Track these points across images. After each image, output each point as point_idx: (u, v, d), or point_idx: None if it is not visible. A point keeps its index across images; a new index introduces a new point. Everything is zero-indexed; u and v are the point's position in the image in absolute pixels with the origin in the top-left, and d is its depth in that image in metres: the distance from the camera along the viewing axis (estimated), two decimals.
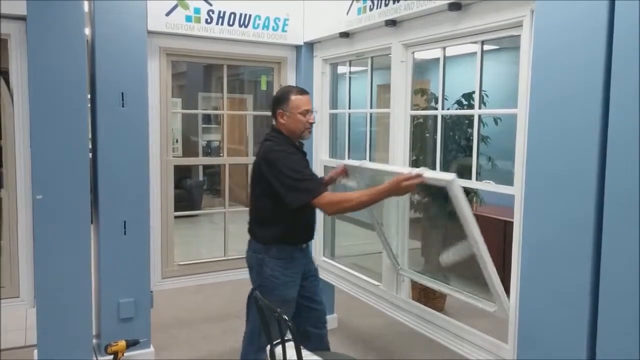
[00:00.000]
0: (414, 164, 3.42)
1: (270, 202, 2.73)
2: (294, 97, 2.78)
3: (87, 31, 3.33)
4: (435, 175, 2.41)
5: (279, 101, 2.83)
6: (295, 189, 2.60)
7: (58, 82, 3.08)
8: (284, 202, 2.64)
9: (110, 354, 3.23)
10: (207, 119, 11.03)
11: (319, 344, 2.99)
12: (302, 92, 2.84)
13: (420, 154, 4.35)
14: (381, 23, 3.17)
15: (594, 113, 1.92)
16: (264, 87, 4.47)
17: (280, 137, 2.79)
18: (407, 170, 2.52)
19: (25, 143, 3.11)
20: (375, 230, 3.24)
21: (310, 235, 2.93)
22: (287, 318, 2.19)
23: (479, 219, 2.49)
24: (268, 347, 2.44)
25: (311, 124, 2.81)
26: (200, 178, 10.31)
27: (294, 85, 3.31)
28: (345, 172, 3.01)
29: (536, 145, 2.18)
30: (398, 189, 2.43)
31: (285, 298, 2.80)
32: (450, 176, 2.22)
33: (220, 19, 3.64)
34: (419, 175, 2.37)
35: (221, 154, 4.22)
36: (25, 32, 3.04)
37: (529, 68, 2.25)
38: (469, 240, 2.35)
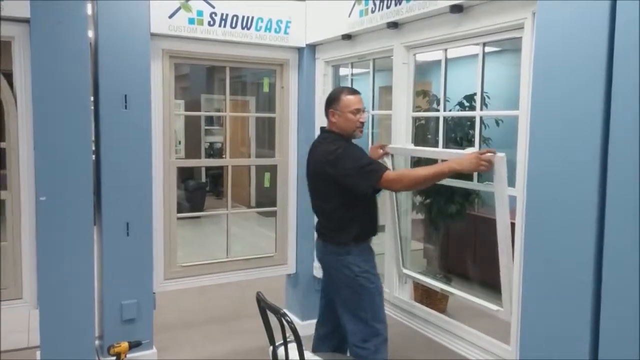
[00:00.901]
0: (416, 164, 3.43)
1: (342, 204, 2.83)
2: (344, 97, 2.87)
3: (90, 33, 3.34)
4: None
5: (331, 101, 2.92)
6: (362, 176, 2.68)
7: (61, 84, 3.08)
8: (357, 193, 2.73)
9: (112, 355, 3.24)
10: (209, 120, 11.05)
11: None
12: (353, 92, 2.92)
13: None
14: (383, 25, 3.17)
15: (595, 115, 1.92)
16: (266, 89, 4.49)
17: (332, 136, 2.89)
18: (449, 152, 2.75)
19: (29, 145, 3.12)
20: (394, 230, 3.27)
21: (377, 228, 3.01)
22: (290, 319, 2.20)
23: (480, 220, 2.49)
24: (270, 347, 2.45)
25: (362, 123, 2.88)
26: (203, 180, 10.34)
27: (344, 86, 3.39)
28: (385, 154, 3.14)
29: (538, 146, 2.18)
30: (474, 166, 2.48)
31: (381, 289, 2.91)
32: (501, 154, 2.41)
33: (223, 22, 3.64)
34: (491, 151, 2.46)
35: (224, 156, 4.22)
36: (29, 35, 3.05)
37: (530, 70, 2.25)
38: (497, 224, 2.46)
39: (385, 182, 2.64)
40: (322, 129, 3.03)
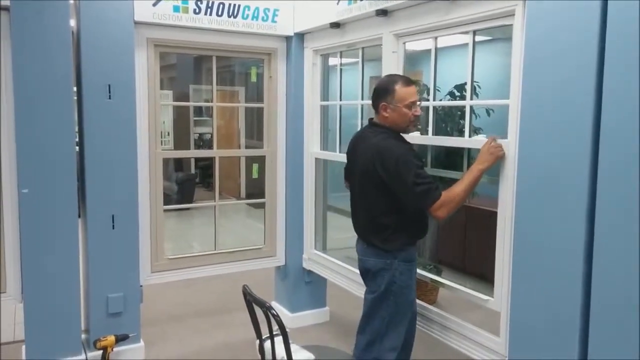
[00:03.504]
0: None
1: (393, 208, 2.57)
2: (399, 89, 2.56)
3: (73, 22, 3.27)
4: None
5: (383, 93, 2.61)
6: (415, 195, 2.45)
7: (43, 74, 3.03)
8: (406, 204, 2.53)
9: (99, 349, 3.21)
10: (199, 111, 10.97)
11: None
12: (408, 82, 2.62)
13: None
14: (372, 13, 3.13)
15: (586, 103, 1.90)
16: (254, 78, 4.43)
17: (385, 131, 2.61)
18: (455, 140, 2.67)
19: (11, 136, 3.06)
20: None
21: (427, 227, 2.77)
22: (275, 313, 2.17)
23: (472, 211, 2.47)
24: (257, 341, 2.42)
25: (416, 116, 2.62)
26: (193, 171, 10.27)
27: (397, 74, 2.91)
28: None
29: (528, 135, 2.15)
30: (492, 156, 2.41)
31: (412, 300, 2.70)
32: (506, 139, 2.39)
33: (209, 9, 3.57)
34: (494, 139, 2.42)
35: (213, 147, 4.17)
36: (9, 23, 2.98)
37: (521, 58, 2.22)
38: (499, 208, 2.44)
39: (433, 211, 2.44)
40: (370, 120, 2.74)
